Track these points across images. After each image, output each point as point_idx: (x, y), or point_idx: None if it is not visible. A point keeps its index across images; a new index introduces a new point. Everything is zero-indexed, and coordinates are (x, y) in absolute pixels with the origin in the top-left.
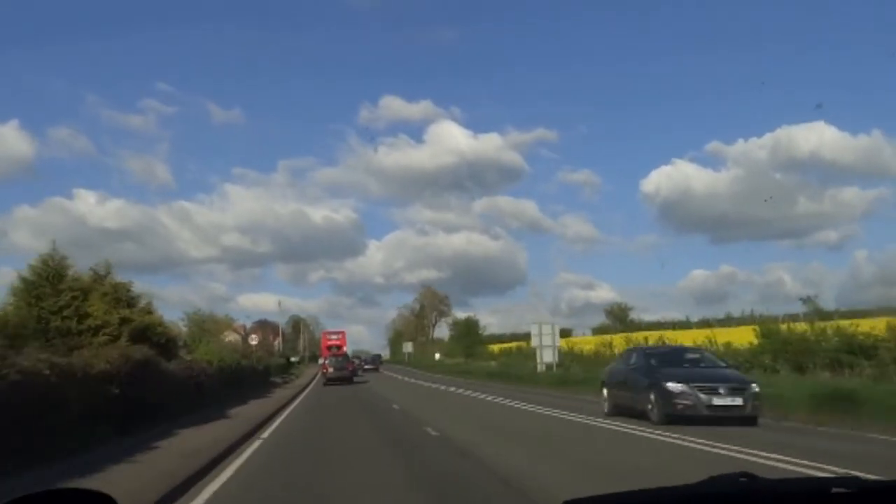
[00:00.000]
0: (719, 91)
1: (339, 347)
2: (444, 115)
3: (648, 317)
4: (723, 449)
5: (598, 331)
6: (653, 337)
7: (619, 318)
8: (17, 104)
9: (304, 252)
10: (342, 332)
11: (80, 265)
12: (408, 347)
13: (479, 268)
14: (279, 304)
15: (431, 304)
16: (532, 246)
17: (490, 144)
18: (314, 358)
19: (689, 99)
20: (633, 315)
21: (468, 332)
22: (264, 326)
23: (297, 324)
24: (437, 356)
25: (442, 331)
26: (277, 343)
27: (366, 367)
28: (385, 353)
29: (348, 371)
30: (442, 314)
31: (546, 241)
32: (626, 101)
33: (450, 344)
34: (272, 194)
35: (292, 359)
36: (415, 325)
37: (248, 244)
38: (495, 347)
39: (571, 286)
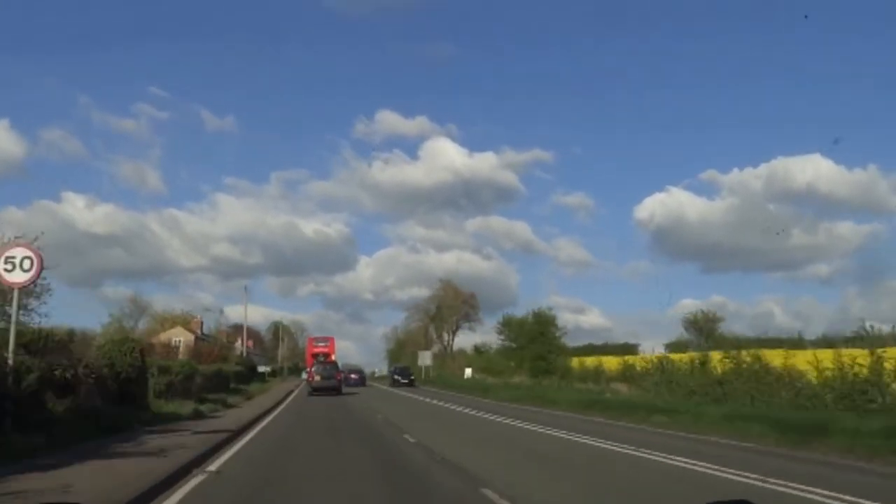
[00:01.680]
0: (715, 119)
1: (326, 356)
2: (441, 132)
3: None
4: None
5: (674, 347)
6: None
7: (702, 331)
8: (8, 103)
9: (295, 265)
10: (330, 339)
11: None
12: (425, 359)
13: (469, 288)
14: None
15: (453, 304)
16: (524, 268)
17: (485, 163)
18: (296, 370)
19: (685, 126)
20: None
21: (540, 336)
22: (239, 332)
23: (277, 330)
24: (468, 372)
25: (466, 339)
26: (240, 347)
27: (351, 379)
28: (380, 368)
29: (336, 381)
30: (467, 318)
31: (538, 263)
32: (622, 126)
33: (496, 356)
34: (264, 205)
35: (261, 368)
36: (423, 333)
37: (238, 255)
38: (589, 361)
39: (562, 309)
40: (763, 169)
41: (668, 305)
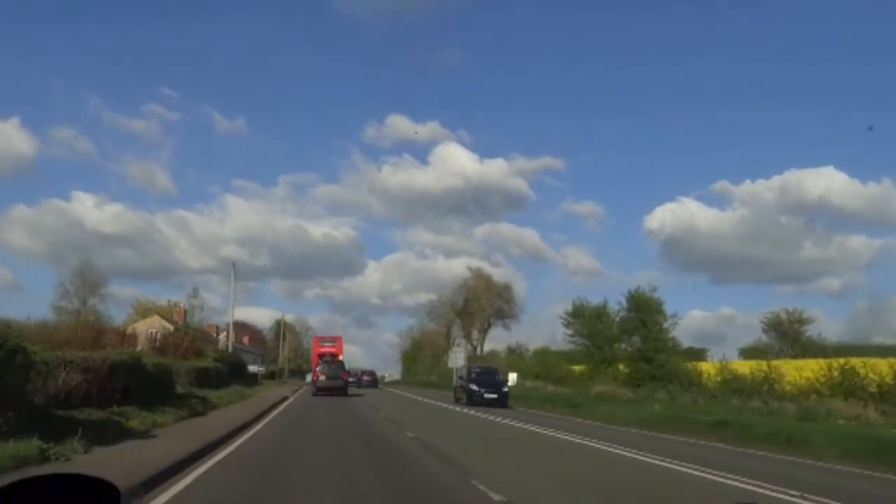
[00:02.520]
0: (728, 130)
1: (333, 356)
2: (451, 138)
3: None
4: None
5: (750, 353)
6: None
7: (787, 335)
8: (20, 102)
9: (302, 268)
10: (338, 339)
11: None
12: (457, 359)
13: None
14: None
15: (484, 297)
16: (531, 275)
17: (495, 170)
18: (299, 372)
19: (697, 136)
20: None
21: (641, 327)
22: (241, 329)
23: (281, 329)
24: (513, 378)
25: (498, 339)
26: (224, 339)
27: (364, 381)
28: (393, 372)
29: (342, 381)
30: (500, 314)
31: (546, 270)
32: (634, 135)
33: (554, 358)
34: (272, 208)
35: (253, 368)
36: (445, 331)
37: (246, 257)
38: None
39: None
40: (776, 181)
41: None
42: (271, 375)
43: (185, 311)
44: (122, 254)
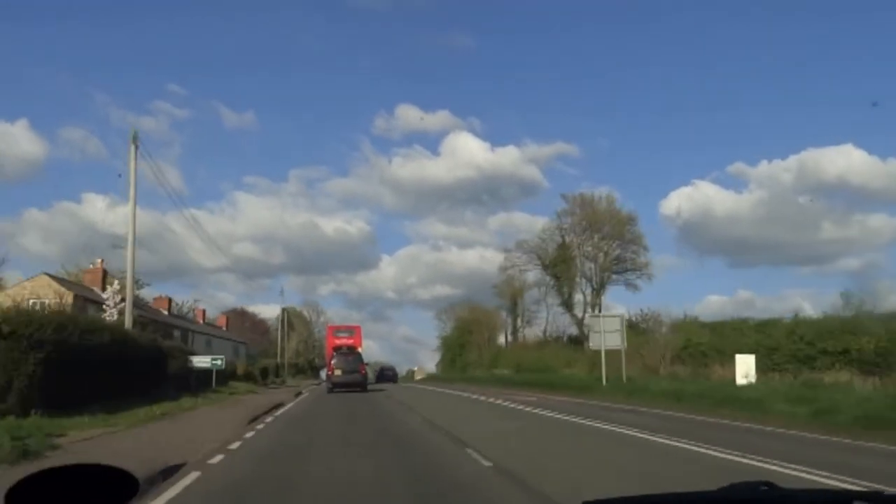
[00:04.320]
0: (743, 110)
1: (350, 348)
2: (462, 127)
3: None
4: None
5: None
6: None
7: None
8: (27, 102)
9: (315, 264)
10: (355, 328)
11: None
12: (604, 332)
13: (464, 301)
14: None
15: (604, 228)
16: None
17: (507, 158)
18: (311, 368)
19: (713, 117)
20: None
21: None
22: (241, 316)
23: (288, 317)
24: (746, 371)
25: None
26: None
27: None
28: (426, 365)
29: (360, 375)
30: (621, 263)
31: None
32: (648, 118)
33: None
34: (283, 204)
35: (201, 362)
36: (517, 289)
37: (259, 254)
38: None
39: (587, 306)
40: (792, 161)
41: (677, 299)
42: (264, 373)
43: (104, 275)
44: (136, 255)
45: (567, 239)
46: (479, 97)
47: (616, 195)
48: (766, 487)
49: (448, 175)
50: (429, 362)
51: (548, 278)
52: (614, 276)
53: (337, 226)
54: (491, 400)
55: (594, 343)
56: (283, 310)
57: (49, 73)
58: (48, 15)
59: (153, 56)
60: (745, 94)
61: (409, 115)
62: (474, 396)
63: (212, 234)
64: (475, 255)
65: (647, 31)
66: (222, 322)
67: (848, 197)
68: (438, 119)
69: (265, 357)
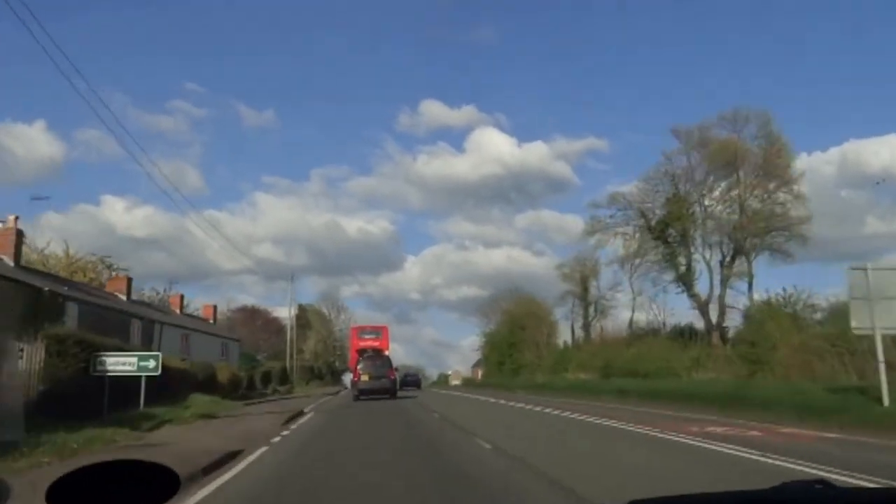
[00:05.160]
0: (780, 102)
1: (377, 351)
2: (488, 122)
3: None
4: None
5: None
6: None
7: None
8: (43, 103)
9: (338, 265)
10: (382, 329)
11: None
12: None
13: (520, 287)
14: None
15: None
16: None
17: (535, 154)
18: (331, 373)
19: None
20: None
21: None
22: (252, 314)
23: (303, 315)
24: None
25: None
26: None
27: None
28: (463, 368)
29: (389, 380)
30: (772, 226)
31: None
32: (680, 111)
33: None
34: (305, 204)
35: (141, 362)
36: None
37: (281, 255)
38: None
39: (621, 308)
40: (834, 153)
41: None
42: (266, 378)
43: (18, 234)
44: (155, 258)
45: (682, 189)
46: (506, 91)
47: (770, 115)
48: (820, 486)
49: (474, 172)
50: (459, 365)
51: (653, 245)
52: (755, 240)
53: (360, 226)
54: (660, 433)
55: (860, 321)
56: (293, 302)
57: (63, 73)
58: (59, 15)
59: (169, 54)
60: (782, 87)
61: (434, 112)
62: (598, 421)
63: (232, 235)
64: (502, 254)
65: (680, 18)
66: (208, 313)
67: (893, 190)
68: (464, 115)
69: (277, 360)
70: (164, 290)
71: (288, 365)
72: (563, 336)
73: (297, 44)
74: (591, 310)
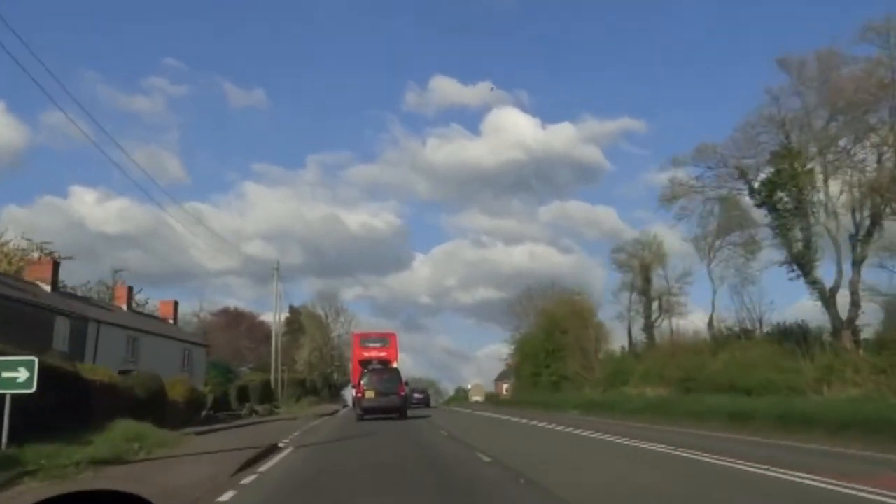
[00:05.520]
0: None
1: (384, 363)
2: (507, 101)
3: None
4: None
5: None
6: None
7: None
8: (3, 82)
9: (338, 264)
10: (389, 336)
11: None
12: None
13: (545, 288)
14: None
15: None
16: (609, 262)
17: (562, 136)
18: (329, 386)
19: None
20: None
21: None
22: (236, 318)
23: (295, 319)
24: None
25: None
26: None
27: (414, 398)
28: (481, 382)
29: (398, 398)
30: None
31: None
32: (728, 85)
33: None
34: (300, 195)
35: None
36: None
37: (273, 254)
38: None
39: (693, 305)
40: None
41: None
42: (242, 395)
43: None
44: (131, 256)
45: (795, 139)
46: (527, 66)
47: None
48: None
49: (491, 158)
50: (477, 377)
51: (747, 217)
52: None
53: (362, 219)
54: None
55: None
56: (279, 299)
57: (29, 49)
58: None
59: (145, 24)
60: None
61: (446, 89)
62: (742, 466)
63: (217, 231)
64: (524, 251)
65: None
66: (166, 311)
67: None
68: (479, 92)
69: (263, 372)
70: (113, 282)
71: (273, 378)
72: (617, 341)
73: (290, 12)
74: (656, 307)
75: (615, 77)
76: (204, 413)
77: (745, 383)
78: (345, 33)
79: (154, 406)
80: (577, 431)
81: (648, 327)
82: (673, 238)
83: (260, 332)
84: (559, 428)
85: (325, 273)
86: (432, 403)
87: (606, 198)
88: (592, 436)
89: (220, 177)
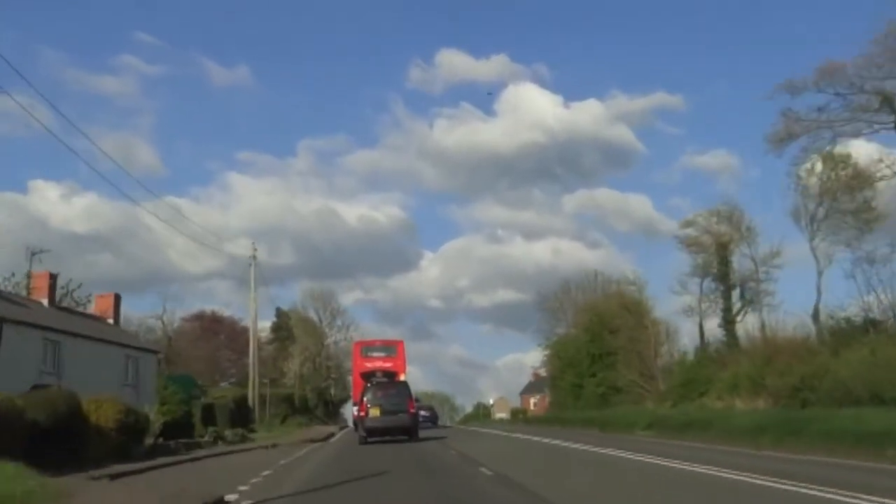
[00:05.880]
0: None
1: (390, 376)
2: (525, 76)
3: None
4: None
5: None
6: None
7: None
8: None
9: (335, 264)
10: (396, 344)
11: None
12: None
13: (587, 279)
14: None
15: None
16: (643, 257)
17: (588, 115)
18: (325, 403)
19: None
20: None
21: None
22: (213, 325)
23: (284, 324)
24: None
25: None
26: None
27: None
28: (506, 395)
29: (408, 416)
30: None
31: (663, 250)
32: (778, 54)
33: None
34: (291, 186)
35: None
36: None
37: (261, 253)
38: None
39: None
40: None
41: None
42: (203, 419)
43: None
44: (100, 260)
45: None
46: (547, 36)
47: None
48: None
49: (508, 141)
50: (496, 391)
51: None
52: None
53: (362, 213)
54: None
55: None
56: (255, 290)
57: None
58: None
59: None
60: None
61: (455, 64)
62: None
63: (196, 229)
64: (546, 247)
65: None
66: (103, 307)
67: None
68: (493, 66)
69: (242, 386)
70: (29, 268)
71: (250, 395)
72: (681, 342)
73: None
74: (736, 297)
75: (647, 46)
76: (150, 442)
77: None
78: (339, 3)
79: (64, 436)
80: (712, 471)
81: (728, 322)
82: (756, 206)
83: (243, 341)
84: (675, 464)
85: (320, 274)
86: (446, 422)
87: (639, 185)
88: (764, 483)
89: (200, 167)
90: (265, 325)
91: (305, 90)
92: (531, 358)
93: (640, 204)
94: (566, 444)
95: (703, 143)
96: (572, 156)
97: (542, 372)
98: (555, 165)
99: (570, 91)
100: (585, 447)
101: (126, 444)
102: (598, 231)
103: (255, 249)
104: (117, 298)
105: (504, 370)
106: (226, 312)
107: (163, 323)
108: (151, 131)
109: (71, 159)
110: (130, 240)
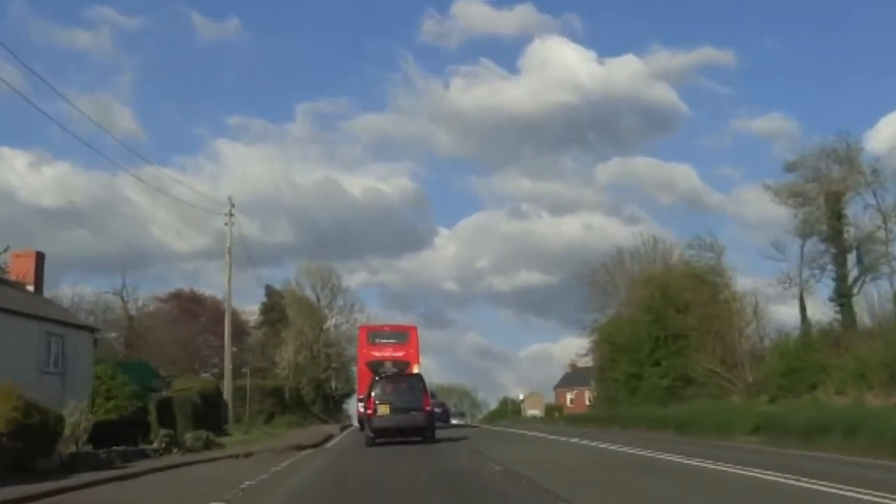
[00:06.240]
0: None
1: (402, 367)
2: (554, 28)
3: None
4: None
5: None
6: None
7: None
8: None
9: (338, 242)
10: (409, 330)
11: None
12: None
13: (644, 248)
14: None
15: None
16: (687, 233)
17: (625, 73)
18: (325, 399)
19: None
20: None
21: None
22: (193, 305)
23: (275, 305)
24: None
25: None
26: None
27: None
28: (539, 391)
29: (423, 414)
30: None
31: (711, 224)
32: (842, 7)
33: None
34: (288, 154)
35: None
36: None
37: (253, 230)
38: None
39: (799, 286)
40: None
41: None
42: (159, 418)
43: None
44: (75, 237)
45: None
46: None
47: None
48: None
49: (534, 102)
50: (521, 385)
51: None
52: None
53: (367, 185)
54: None
55: None
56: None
57: None
58: None
59: None
60: None
61: (473, 14)
62: None
63: (182, 202)
64: (576, 223)
65: None
66: (22, 270)
67: None
68: (517, 17)
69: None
70: None
71: (225, 387)
72: (772, 322)
73: None
74: (851, 262)
75: None
76: (71, 450)
77: None
78: None
79: None
80: None
81: (843, 296)
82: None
83: (232, 326)
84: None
85: (320, 254)
86: (469, 420)
87: (683, 152)
88: None
89: (185, 133)
90: (254, 308)
91: (303, 45)
92: (562, 348)
93: (683, 173)
94: (659, 455)
95: (755, 106)
96: (607, 119)
97: (580, 363)
98: (587, 130)
99: (604, 46)
100: (699, 462)
101: (26, 454)
102: (636, 204)
103: (233, 205)
104: (40, 258)
105: (529, 361)
106: (207, 292)
107: (122, 299)
108: (130, 93)
109: (41, 124)
110: (107, 214)
